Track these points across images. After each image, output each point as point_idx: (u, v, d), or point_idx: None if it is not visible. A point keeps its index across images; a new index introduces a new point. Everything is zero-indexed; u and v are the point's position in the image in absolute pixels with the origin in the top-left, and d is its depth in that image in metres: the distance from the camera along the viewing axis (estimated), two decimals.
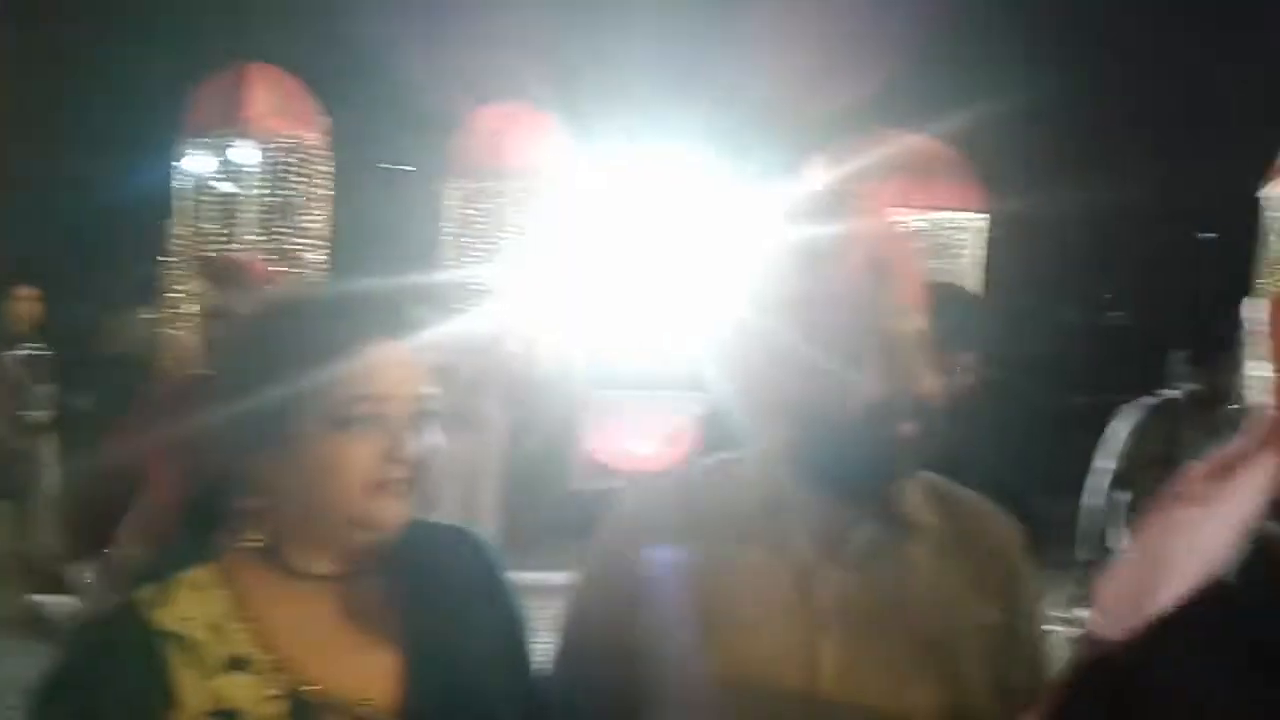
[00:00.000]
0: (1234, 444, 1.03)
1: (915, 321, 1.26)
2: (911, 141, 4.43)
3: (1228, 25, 11.40)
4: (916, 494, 1.29)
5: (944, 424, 1.30)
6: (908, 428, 1.22)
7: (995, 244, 5.27)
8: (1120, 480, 3.53)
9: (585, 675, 1.31)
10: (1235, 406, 3.17)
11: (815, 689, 1.21)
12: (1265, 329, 1.03)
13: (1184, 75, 11.72)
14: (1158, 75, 11.84)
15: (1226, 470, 1.02)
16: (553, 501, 6.05)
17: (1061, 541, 3.50)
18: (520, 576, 1.34)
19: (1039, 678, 1.29)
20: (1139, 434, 3.52)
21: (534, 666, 1.31)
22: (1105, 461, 3.58)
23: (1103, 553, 3.44)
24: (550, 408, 6.15)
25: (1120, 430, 3.59)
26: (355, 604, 1.17)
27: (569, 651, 1.35)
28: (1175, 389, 3.58)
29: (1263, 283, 3.63)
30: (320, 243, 6.53)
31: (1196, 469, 1.06)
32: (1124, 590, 1.07)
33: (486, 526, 5.77)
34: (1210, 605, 0.98)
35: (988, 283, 5.34)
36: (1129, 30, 11.65)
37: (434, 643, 1.17)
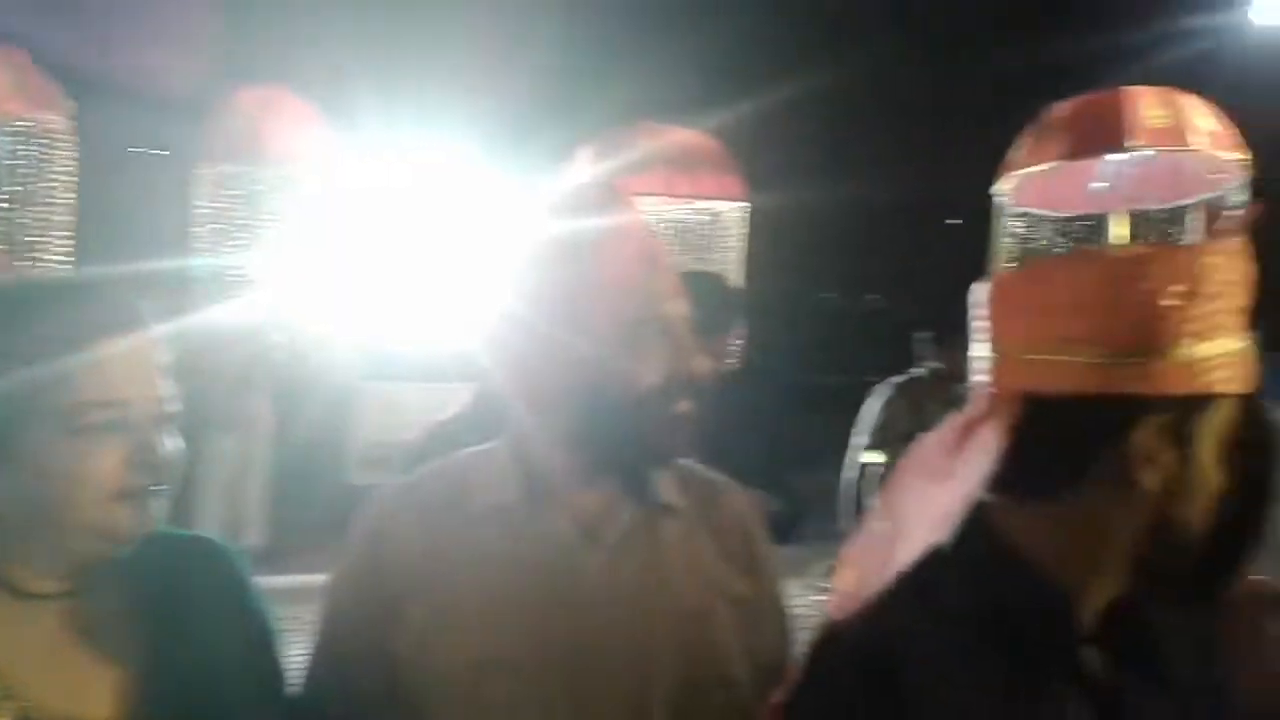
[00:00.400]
0: (958, 420, 1.11)
1: (681, 307, 1.30)
2: (674, 134, 4.53)
3: (980, 26, 12.21)
4: (667, 476, 1.35)
5: (709, 406, 1.35)
6: (683, 408, 1.27)
7: (758, 232, 5.45)
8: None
9: (340, 677, 1.28)
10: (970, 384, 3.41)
11: (578, 672, 1.23)
12: (984, 311, 1.12)
13: (938, 71, 12.46)
14: (914, 71, 12.56)
15: (952, 445, 1.10)
16: (327, 497, 5.87)
17: (827, 515, 3.67)
18: (290, 580, 1.30)
19: (786, 645, 1.37)
20: (888, 411, 3.74)
21: (285, 678, 1.26)
22: (860, 438, 3.79)
23: (860, 524, 3.63)
24: (319, 400, 5.95)
25: (873, 408, 3.80)
26: (87, 622, 1.10)
27: (324, 654, 1.31)
28: (920, 368, 3.83)
29: (994, 269, 3.92)
30: (64, 232, 6.06)
31: (926, 443, 1.14)
32: (862, 558, 1.14)
33: (254, 527, 5.55)
34: (931, 571, 1.06)
35: (750, 269, 5.50)
36: (887, 28, 12.28)
37: (172, 659, 1.11)
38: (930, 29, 12.41)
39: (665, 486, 1.34)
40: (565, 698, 1.22)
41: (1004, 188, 3.68)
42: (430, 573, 1.26)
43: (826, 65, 10.94)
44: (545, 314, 1.26)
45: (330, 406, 6.38)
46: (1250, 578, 1.20)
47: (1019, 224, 3.82)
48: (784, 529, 2.64)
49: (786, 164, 9.49)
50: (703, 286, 2.66)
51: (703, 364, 1.30)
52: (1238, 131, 3.36)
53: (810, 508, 2.96)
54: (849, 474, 3.81)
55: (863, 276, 16.81)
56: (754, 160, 5.45)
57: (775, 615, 1.40)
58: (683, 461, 1.38)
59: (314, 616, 1.33)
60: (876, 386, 3.86)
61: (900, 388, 3.79)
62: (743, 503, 1.42)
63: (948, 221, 14.46)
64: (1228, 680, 1.12)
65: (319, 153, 6.23)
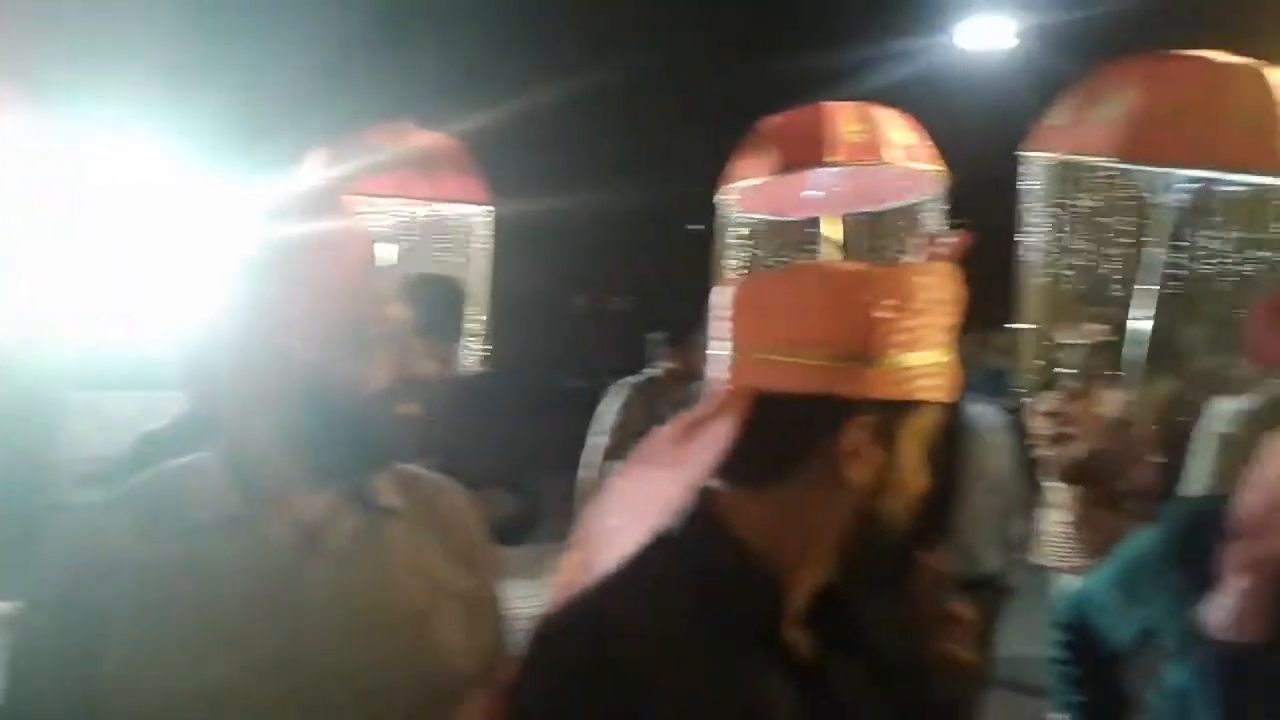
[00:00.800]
0: (692, 413, 1.16)
1: (403, 310, 1.30)
2: (415, 136, 4.45)
3: (723, 40, 12.68)
4: (387, 479, 1.34)
5: (450, 408, 1.35)
6: (407, 410, 1.26)
7: (507, 236, 5.43)
8: (612, 453, 3.81)
9: (36, 715, 1.18)
10: (703, 382, 3.54)
11: (306, 682, 1.19)
12: (725, 314, 1.16)
13: (683, 82, 12.88)
14: (661, 81, 12.93)
15: (683, 437, 1.14)
16: (29, 519, 5.40)
17: (569, 515, 3.69)
18: None
19: (508, 640, 1.38)
20: (626, 409, 3.83)
21: None
22: (597, 437, 3.85)
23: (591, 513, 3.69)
24: (21, 412, 5.49)
25: (611, 407, 3.88)
26: None
27: (16, 692, 1.20)
28: (656, 368, 3.94)
29: (722, 274, 4.09)
30: None
31: (658, 436, 1.18)
32: (590, 545, 1.16)
33: None
34: (654, 554, 1.10)
35: (499, 273, 5.48)
36: (636, 39, 12.57)
37: None
38: (676, 42, 12.81)
39: (385, 489, 1.33)
40: (294, 710, 1.18)
41: (727, 197, 3.84)
42: (141, 595, 1.18)
43: (577, 72, 11.10)
44: (265, 317, 1.23)
45: (34, 418, 5.89)
46: (932, 558, 1.31)
47: (743, 230, 4.00)
48: (521, 529, 2.66)
49: (536, 169, 9.55)
50: (433, 289, 2.66)
51: (428, 366, 1.30)
52: (934, 145, 3.64)
53: (552, 508, 2.98)
54: (587, 473, 3.86)
55: (614, 280, 17.12)
56: (503, 165, 5.44)
57: (498, 611, 1.41)
58: (401, 464, 1.37)
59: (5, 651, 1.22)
60: (612, 386, 3.93)
61: (637, 387, 3.89)
62: (463, 502, 1.43)
63: (689, 227, 14.93)
64: (919, 655, 1.21)
65: (16, 143, 5.72)
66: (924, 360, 1.10)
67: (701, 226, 4.14)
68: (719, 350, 1.16)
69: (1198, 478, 3.04)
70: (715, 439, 1.10)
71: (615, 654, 1.04)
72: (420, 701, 1.24)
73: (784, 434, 1.10)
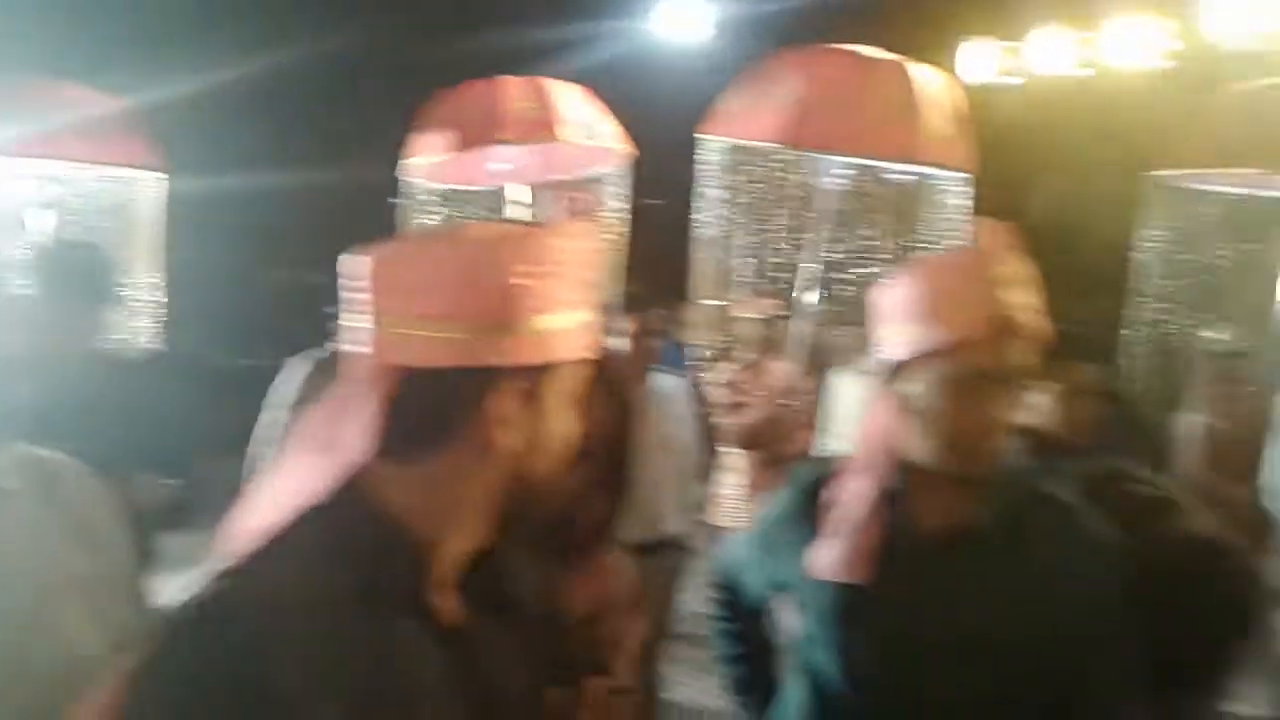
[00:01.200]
0: (341, 389, 1.14)
1: (33, 277, 1.22)
2: (72, 93, 4.10)
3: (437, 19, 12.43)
4: (1, 459, 1.26)
5: (88, 387, 1.27)
6: (29, 385, 1.18)
7: (193, 209, 5.09)
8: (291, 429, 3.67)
9: None
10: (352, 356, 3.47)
11: None
12: (359, 285, 1.14)
13: (386, 57, 12.55)
14: (364, 55, 12.55)
15: (336, 414, 1.13)
16: None
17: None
18: None
19: (140, 619, 1.35)
20: (306, 384, 3.69)
21: None
22: (273, 412, 3.70)
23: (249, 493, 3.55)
24: None
25: (290, 381, 3.74)
26: None
27: None
28: (337, 342, 3.83)
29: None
30: None
31: (313, 414, 1.16)
32: (247, 520, 1.14)
33: None
34: (307, 527, 1.09)
35: (177, 247, 5.14)
36: (335, 11, 12.12)
37: None
38: (376, 17, 12.48)
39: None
40: None
41: (412, 171, 3.79)
42: None
43: (276, 40, 10.60)
44: None
45: None
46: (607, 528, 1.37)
47: (433, 201, 3.97)
48: (177, 514, 2.54)
49: (228, 141, 9.04)
50: (72, 257, 2.46)
51: (58, 339, 1.23)
52: (619, 123, 3.74)
53: (226, 492, 2.85)
54: (259, 449, 3.71)
55: (310, 256, 16.49)
56: (192, 136, 5.11)
57: (129, 595, 1.37)
58: (18, 444, 1.29)
59: None
60: (290, 360, 3.79)
61: (318, 362, 3.77)
62: (87, 483, 1.37)
63: (390, 200, 14.60)
64: (567, 622, 1.27)
65: None
66: (564, 321, 1.12)
67: (398, 200, 4.06)
68: (355, 323, 1.12)
69: (833, 441, 3.32)
70: (362, 415, 1.09)
71: (256, 630, 1.03)
72: (38, 687, 1.18)
73: (430, 406, 1.10)
